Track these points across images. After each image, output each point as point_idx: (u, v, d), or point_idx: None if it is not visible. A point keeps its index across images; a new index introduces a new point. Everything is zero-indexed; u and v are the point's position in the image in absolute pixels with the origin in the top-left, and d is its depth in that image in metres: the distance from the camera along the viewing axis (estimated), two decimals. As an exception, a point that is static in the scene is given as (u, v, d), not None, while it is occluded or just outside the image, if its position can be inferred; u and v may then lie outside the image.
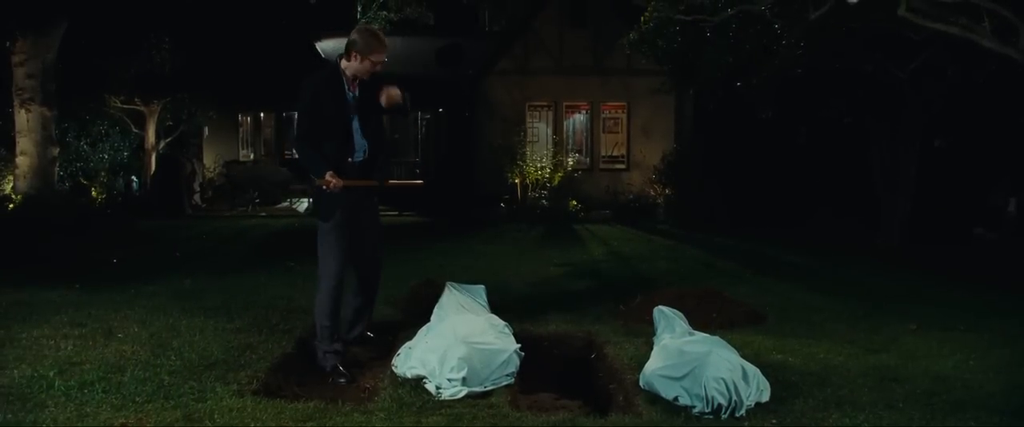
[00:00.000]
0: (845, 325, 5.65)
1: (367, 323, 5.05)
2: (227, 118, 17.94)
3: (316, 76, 4.53)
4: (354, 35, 4.43)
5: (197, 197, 15.95)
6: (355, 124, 4.52)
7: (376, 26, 4.64)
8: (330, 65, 4.57)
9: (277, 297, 6.27)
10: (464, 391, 3.95)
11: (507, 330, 4.64)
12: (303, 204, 14.95)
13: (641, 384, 4.03)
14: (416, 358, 4.28)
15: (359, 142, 4.54)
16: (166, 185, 15.09)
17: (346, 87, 4.48)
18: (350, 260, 4.63)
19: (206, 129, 18.14)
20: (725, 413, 3.62)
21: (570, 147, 16.91)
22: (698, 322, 5.05)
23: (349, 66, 4.44)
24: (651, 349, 4.35)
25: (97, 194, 15.46)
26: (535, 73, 16.60)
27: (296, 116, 4.60)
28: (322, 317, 4.53)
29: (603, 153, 16.96)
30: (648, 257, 9.51)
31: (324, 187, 4.35)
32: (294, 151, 4.43)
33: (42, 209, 11.33)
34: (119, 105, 15.68)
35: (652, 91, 14.87)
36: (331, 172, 4.34)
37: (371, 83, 4.57)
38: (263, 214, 14.59)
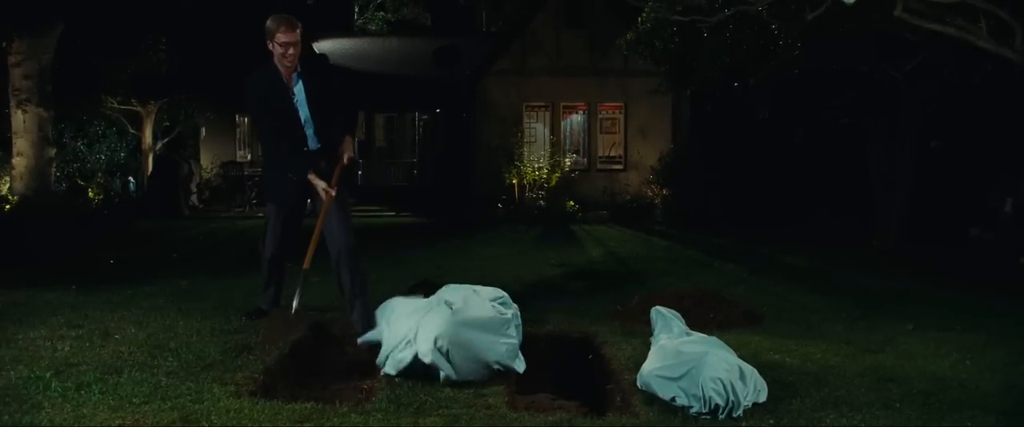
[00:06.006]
0: (842, 325, 5.66)
1: (366, 320, 4.99)
2: (224, 119, 17.92)
3: (254, 77, 4.57)
4: (268, 20, 4.43)
5: (194, 198, 15.92)
6: (304, 115, 4.59)
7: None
8: (264, 63, 4.59)
9: (274, 298, 6.25)
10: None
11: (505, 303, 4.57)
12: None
13: (638, 384, 4.03)
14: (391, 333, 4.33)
15: (311, 132, 4.61)
16: (163, 186, 15.07)
17: (284, 81, 4.47)
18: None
19: (203, 130, 18.12)
20: (722, 413, 3.62)
21: (567, 148, 16.91)
22: (695, 322, 5.05)
23: (273, 55, 4.46)
24: (648, 349, 4.36)
25: (94, 195, 15.43)
26: (532, 74, 16.60)
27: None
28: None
29: (600, 154, 16.96)
30: (645, 257, 9.51)
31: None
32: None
33: (39, 210, 11.28)
34: (116, 106, 15.65)
35: (649, 92, 14.88)
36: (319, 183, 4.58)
37: (314, 70, 4.60)
38: (260, 215, 14.57)
